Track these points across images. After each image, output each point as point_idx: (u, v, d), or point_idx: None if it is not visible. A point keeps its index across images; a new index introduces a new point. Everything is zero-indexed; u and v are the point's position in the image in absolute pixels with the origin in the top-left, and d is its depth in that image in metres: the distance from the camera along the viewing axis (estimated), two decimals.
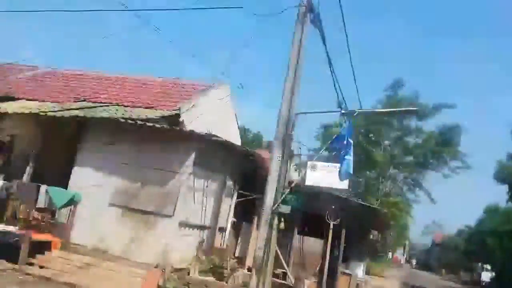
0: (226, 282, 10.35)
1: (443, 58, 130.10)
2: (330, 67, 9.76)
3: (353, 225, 15.00)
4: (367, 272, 28.63)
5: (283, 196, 8.85)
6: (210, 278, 10.44)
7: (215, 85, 13.93)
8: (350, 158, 8.78)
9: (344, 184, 9.89)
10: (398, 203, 25.48)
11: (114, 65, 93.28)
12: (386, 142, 27.13)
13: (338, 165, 9.00)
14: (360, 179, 27.79)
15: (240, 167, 13.12)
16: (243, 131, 35.72)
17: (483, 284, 40.47)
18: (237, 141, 15.51)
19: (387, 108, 26.33)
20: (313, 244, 13.12)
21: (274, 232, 9.22)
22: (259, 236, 9.16)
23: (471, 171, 27.95)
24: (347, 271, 13.36)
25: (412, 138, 28.52)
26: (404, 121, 28.29)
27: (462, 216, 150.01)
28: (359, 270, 17.00)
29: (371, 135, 26.59)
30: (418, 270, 69.35)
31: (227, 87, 14.86)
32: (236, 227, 13.62)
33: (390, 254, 61.71)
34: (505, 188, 19.27)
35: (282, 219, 9.41)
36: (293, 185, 9.14)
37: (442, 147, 27.22)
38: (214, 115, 13.65)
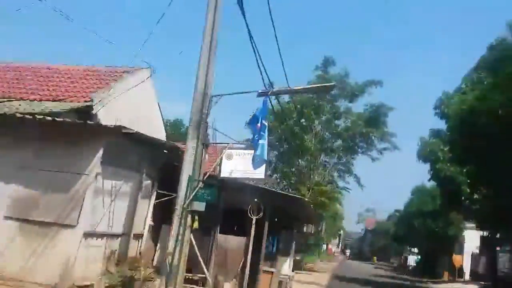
0: None
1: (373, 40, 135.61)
2: (251, 42, 8.95)
3: (279, 219, 14.60)
4: (300, 267, 28.72)
5: (195, 191, 8.04)
6: None
7: (132, 70, 12.44)
8: (264, 142, 8.11)
9: (260, 173, 9.26)
10: (328, 191, 25.46)
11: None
12: (318, 127, 26.91)
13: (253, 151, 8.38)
14: (293, 169, 27.61)
15: (160, 163, 11.96)
16: (177, 124, 34.40)
17: (410, 267, 42.23)
18: (161, 134, 14.26)
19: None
20: (237, 242, 12.33)
21: (187, 233, 8.38)
22: (170, 239, 8.27)
23: (404, 154, 28.73)
24: (270, 268, 12.75)
25: (342, 121, 28.65)
26: (335, 103, 28.36)
27: (395, 200, 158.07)
28: (285, 266, 16.67)
29: (302, 120, 26.27)
30: (352, 260, 71.91)
31: (147, 74, 13.14)
32: (155, 232, 12.51)
33: (324, 246, 63.22)
34: (427, 166, 19.87)
35: (196, 218, 8.59)
36: (205, 178, 8.33)
37: (370, 128, 27.41)
38: (133, 106, 12.26)
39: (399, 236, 48.48)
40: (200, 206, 8.20)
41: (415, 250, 46.03)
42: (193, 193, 7.91)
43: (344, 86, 27.60)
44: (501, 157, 12.98)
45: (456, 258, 34.02)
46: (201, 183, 8.07)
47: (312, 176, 26.44)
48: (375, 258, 70.30)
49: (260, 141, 7.93)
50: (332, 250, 66.11)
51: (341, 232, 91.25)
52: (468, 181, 18.24)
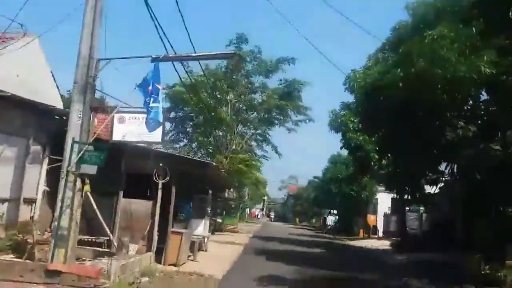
0: (29, 259, 8.80)
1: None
2: (147, 7, 8.47)
3: (189, 183, 14.47)
4: (221, 229, 29.35)
5: (80, 154, 7.58)
6: (8, 256, 8.79)
7: (18, 36, 11.33)
8: (158, 105, 7.82)
9: (156, 136, 9.02)
10: (245, 159, 25.96)
11: None
12: (232, 100, 27.10)
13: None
14: (210, 139, 27.62)
15: (51, 129, 11.30)
16: None
17: (328, 227, 44.76)
18: (58, 103, 13.37)
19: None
20: (144, 206, 12.10)
21: (77, 196, 7.98)
22: (58, 202, 7.89)
23: (323, 126, 29.71)
24: (179, 230, 12.70)
25: (258, 95, 29.27)
26: (250, 78, 28.84)
27: (315, 168, 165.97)
28: (200, 228, 16.76)
29: (217, 93, 26.30)
30: (275, 222, 74.90)
31: (35, 40, 12.08)
32: (52, 197, 11.87)
33: (248, 210, 65.17)
34: (339, 136, 20.72)
35: (87, 181, 8.18)
36: (92, 141, 7.88)
37: (285, 102, 28.29)
38: (21, 74, 11.43)
39: (318, 200, 51.12)
40: (90, 169, 7.89)
41: (334, 211, 48.66)
42: (78, 156, 7.54)
43: (259, 63, 28.17)
44: (400, 126, 13.70)
45: (370, 218, 36.69)
46: (88, 146, 7.70)
47: (229, 145, 26.74)
48: (297, 219, 73.74)
49: (154, 104, 7.70)
50: (255, 213, 68.19)
51: (265, 198, 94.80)
52: (376, 148, 19.25)
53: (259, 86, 29.28)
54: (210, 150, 27.56)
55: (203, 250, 16.02)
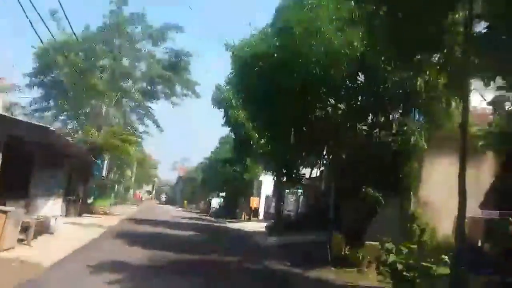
0: None
1: None
2: None
3: (28, 153, 12.14)
4: (91, 211, 26.59)
5: None
6: None
7: None
8: None
9: None
10: (120, 133, 23.30)
11: None
12: (109, 66, 24.16)
13: None
14: (81, 110, 24.51)
15: None
16: None
17: (213, 209, 44.04)
18: None
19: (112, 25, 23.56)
20: None
21: None
22: None
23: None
24: (6, 208, 10.39)
25: (143, 63, 26.59)
26: (136, 45, 26.21)
27: (210, 149, 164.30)
28: (48, 207, 14.40)
29: (93, 58, 23.18)
30: (164, 205, 72.29)
31: None
32: None
33: (131, 191, 61.82)
34: (222, 113, 19.48)
35: None
36: None
37: (171, 73, 26.22)
38: None
39: (206, 182, 50.03)
40: None
41: (223, 194, 48.02)
42: None
43: (144, 28, 25.65)
44: (273, 100, 12.90)
45: (253, 200, 36.66)
46: None
47: (103, 117, 23.86)
48: (185, 202, 72.18)
49: None
50: (139, 195, 65.10)
51: (156, 179, 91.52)
52: (256, 126, 18.40)
53: (145, 54, 26.58)
54: (83, 122, 24.41)
55: (49, 233, 13.76)
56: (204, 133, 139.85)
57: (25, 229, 11.29)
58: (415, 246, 13.11)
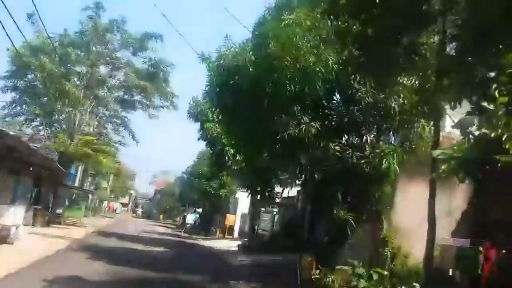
0: None
1: None
2: None
3: None
4: (59, 222, 25.64)
5: None
6: None
7: None
8: None
9: None
10: (92, 142, 22.65)
11: None
12: (84, 73, 23.54)
13: None
14: (56, 115, 23.67)
15: None
16: None
17: (187, 225, 43.13)
18: None
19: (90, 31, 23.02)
20: None
21: None
22: None
23: None
24: None
25: (121, 72, 26.00)
26: (116, 54, 25.70)
27: (190, 163, 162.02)
28: (8, 216, 13.63)
29: (68, 65, 22.56)
30: (140, 218, 70.52)
31: None
32: None
33: (105, 202, 60.36)
34: (198, 126, 19.02)
35: None
36: None
37: (150, 83, 25.75)
38: None
39: (183, 197, 49.26)
40: None
41: (200, 210, 47.20)
42: None
43: (123, 35, 25.19)
44: (247, 117, 12.63)
45: (229, 217, 35.90)
46: None
47: (76, 125, 23.15)
48: (161, 216, 70.94)
49: None
50: (113, 207, 63.73)
51: (132, 192, 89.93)
52: (231, 142, 18.04)
53: (123, 62, 26.05)
54: (53, 129, 23.66)
55: (8, 243, 13.06)
56: (183, 146, 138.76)
57: None
58: (386, 272, 12.92)
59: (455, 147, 4.80)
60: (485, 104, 4.50)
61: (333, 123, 12.83)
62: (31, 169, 15.03)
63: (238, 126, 13.89)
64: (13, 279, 9.00)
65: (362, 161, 12.08)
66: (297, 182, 16.06)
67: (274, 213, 27.10)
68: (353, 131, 12.93)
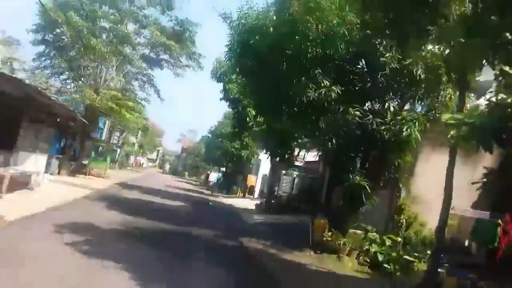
0: None
1: None
2: None
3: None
4: (84, 172, 26.52)
5: None
6: None
7: None
8: None
9: None
10: (117, 96, 22.93)
11: None
12: (109, 27, 23.44)
13: None
14: (80, 72, 23.92)
15: None
16: None
17: (210, 183, 44.03)
18: None
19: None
20: None
21: None
22: None
23: None
24: None
25: (148, 30, 25.84)
26: (144, 11, 25.44)
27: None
28: (30, 163, 14.15)
29: (97, 19, 22.47)
30: (166, 174, 72.33)
31: None
32: None
33: (133, 157, 61.97)
34: (221, 86, 18.94)
35: None
36: None
37: (175, 42, 25.51)
38: None
39: (207, 156, 49.99)
40: None
41: (223, 169, 47.90)
42: None
43: None
44: (267, 78, 12.43)
45: (250, 178, 36.61)
46: None
47: (101, 80, 23.38)
48: (186, 173, 72.53)
49: None
50: (140, 161, 65.24)
51: (160, 148, 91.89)
52: (250, 101, 17.91)
53: (150, 20, 25.76)
54: (81, 83, 24.02)
55: (28, 189, 13.66)
56: (211, 106, 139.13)
57: None
58: (399, 239, 12.89)
59: (466, 112, 4.56)
60: (506, 68, 4.22)
61: (356, 88, 12.51)
62: (54, 119, 15.41)
63: (258, 88, 13.73)
64: (26, 221, 9.42)
65: (382, 127, 11.79)
66: (317, 146, 15.87)
67: (294, 176, 27.32)
68: (376, 97, 12.59)
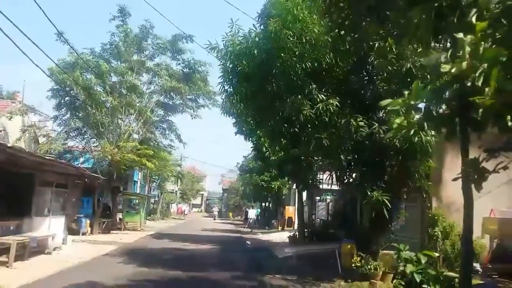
0: None
1: None
2: None
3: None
4: (120, 227, 26.58)
5: None
6: None
7: None
8: None
9: None
10: (136, 147, 23.01)
11: None
12: (118, 82, 23.91)
13: None
14: (99, 128, 24.25)
15: None
16: None
17: (250, 220, 43.18)
18: None
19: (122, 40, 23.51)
20: None
21: None
22: None
23: None
24: None
25: (159, 78, 26.14)
26: (154, 59, 26.05)
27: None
28: (44, 227, 14.06)
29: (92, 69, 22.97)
30: (215, 220, 71.44)
31: None
32: None
33: (173, 205, 62.38)
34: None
35: None
36: None
37: (188, 85, 25.70)
38: None
39: (244, 193, 49.47)
40: None
41: (263, 204, 47.04)
42: None
43: (154, 40, 25.55)
44: (261, 98, 11.90)
45: (288, 209, 35.33)
46: None
47: (120, 133, 23.66)
48: (231, 214, 72.00)
49: None
50: (182, 209, 65.39)
51: (204, 192, 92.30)
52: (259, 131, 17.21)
53: (163, 67, 26.15)
54: (103, 139, 24.35)
55: (46, 253, 13.54)
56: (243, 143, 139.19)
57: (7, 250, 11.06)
58: (436, 254, 11.58)
59: (407, 93, 3.73)
60: (460, 35, 3.43)
61: (356, 98, 11.70)
62: (67, 180, 15.46)
63: (256, 112, 13.21)
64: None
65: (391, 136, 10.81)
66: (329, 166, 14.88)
67: (328, 201, 26.13)
68: (378, 104, 11.67)
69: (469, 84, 3.44)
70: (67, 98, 23.80)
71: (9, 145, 10.79)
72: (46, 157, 12.96)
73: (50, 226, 13.91)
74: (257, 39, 11.47)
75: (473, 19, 3.62)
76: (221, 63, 12.81)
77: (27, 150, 14.01)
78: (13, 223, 12.63)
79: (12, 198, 12.89)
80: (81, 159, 26.26)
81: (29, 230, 13.24)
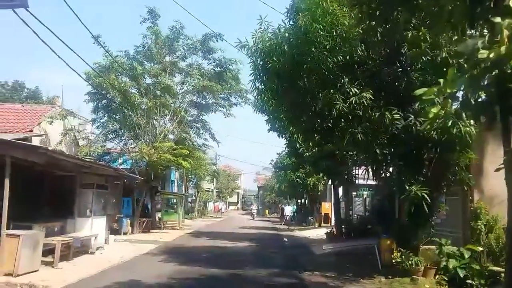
0: None
1: None
2: None
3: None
4: (159, 227, 27.25)
5: None
6: None
7: None
8: None
9: None
10: (171, 147, 23.38)
11: None
12: (153, 81, 24.35)
13: None
14: (135, 130, 24.84)
15: None
16: None
17: (286, 217, 43.10)
18: None
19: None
20: None
21: None
22: None
23: None
24: (20, 232, 10.49)
25: (191, 78, 26.41)
26: (186, 60, 26.37)
27: None
28: (87, 228, 14.56)
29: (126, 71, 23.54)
30: (254, 218, 71.86)
31: None
32: None
33: (210, 204, 63.32)
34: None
35: None
36: None
37: (220, 84, 25.73)
38: None
39: (280, 190, 49.23)
40: None
41: (300, 201, 46.77)
42: None
43: (185, 40, 25.78)
44: (293, 95, 11.81)
45: (324, 205, 34.97)
46: None
47: (156, 134, 24.17)
48: (267, 211, 72.33)
49: None
50: (218, 207, 66.05)
51: (240, 190, 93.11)
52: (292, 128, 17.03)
53: (195, 67, 26.45)
54: (140, 140, 24.95)
55: (89, 253, 14.02)
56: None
57: (51, 251, 11.51)
58: (480, 248, 11.17)
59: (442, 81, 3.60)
60: (497, 19, 3.30)
61: (390, 90, 11.42)
62: (107, 181, 15.93)
63: (288, 109, 13.12)
64: None
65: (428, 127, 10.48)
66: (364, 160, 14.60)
67: (365, 196, 25.70)
68: (413, 95, 11.33)
69: (509, 70, 3.31)
70: (104, 101, 24.53)
71: (50, 148, 11.16)
72: (86, 159, 13.37)
73: (92, 226, 14.34)
74: (286, 34, 11.36)
75: (511, 3, 3.48)
76: (252, 61, 12.76)
77: (67, 153, 14.45)
78: (57, 224, 13.14)
79: (56, 200, 13.44)
80: (120, 161, 26.95)
81: (72, 231, 13.73)
